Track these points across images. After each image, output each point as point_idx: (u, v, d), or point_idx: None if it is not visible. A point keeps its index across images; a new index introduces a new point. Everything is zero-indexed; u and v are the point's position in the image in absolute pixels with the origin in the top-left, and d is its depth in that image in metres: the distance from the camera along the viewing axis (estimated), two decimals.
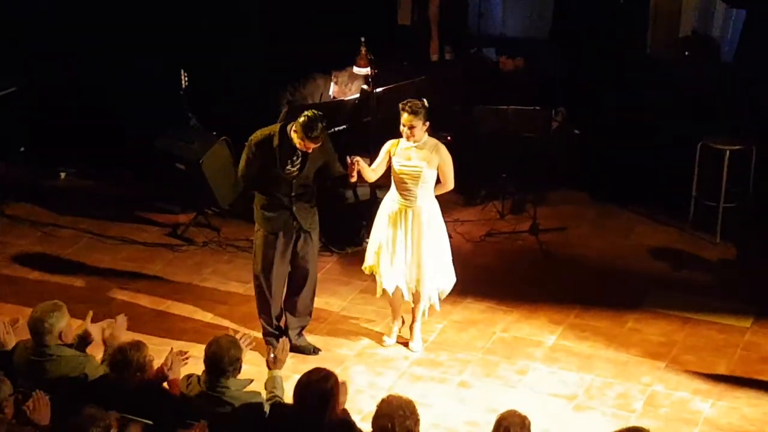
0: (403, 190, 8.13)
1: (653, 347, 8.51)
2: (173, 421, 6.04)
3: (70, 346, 6.66)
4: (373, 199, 9.39)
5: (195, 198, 10.58)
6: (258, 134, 8.02)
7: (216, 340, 6.32)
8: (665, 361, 8.34)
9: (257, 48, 11.54)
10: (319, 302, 8.61)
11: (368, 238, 8.57)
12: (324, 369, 6.07)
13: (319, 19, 11.50)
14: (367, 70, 9.55)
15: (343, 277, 9.53)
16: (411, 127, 7.98)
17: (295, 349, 8.41)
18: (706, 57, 11.16)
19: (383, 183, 8.45)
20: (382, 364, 8.37)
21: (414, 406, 5.69)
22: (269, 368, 6.63)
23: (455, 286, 8.54)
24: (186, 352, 6.71)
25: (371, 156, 8.62)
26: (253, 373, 6.76)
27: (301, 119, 7.72)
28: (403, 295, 8.40)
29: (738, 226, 10.12)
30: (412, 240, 8.17)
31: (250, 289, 8.69)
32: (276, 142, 7.89)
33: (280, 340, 6.94)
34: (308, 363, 7.84)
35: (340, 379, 6.20)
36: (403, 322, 8.69)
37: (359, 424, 6.27)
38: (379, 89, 9.63)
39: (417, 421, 5.66)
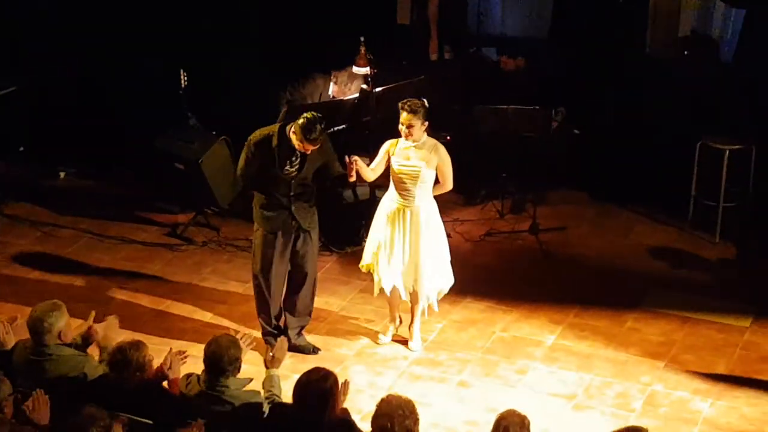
0: (402, 190, 8.13)
1: (652, 347, 8.51)
2: (173, 421, 6.04)
3: (70, 345, 6.66)
4: (372, 199, 9.39)
5: (194, 198, 10.58)
6: (257, 134, 8.02)
7: (215, 339, 6.32)
8: (664, 360, 8.34)
9: (257, 48, 11.54)
10: (318, 302, 8.61)
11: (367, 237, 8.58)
12: (323, 368, 6.07)
13: (319, 18, 11.50)
14: (366, 70, 9.56)
15: (343, 276, 9.53)
16: (409, 126, 7.98)
17: (295, 348, 8.42)
18: (706, 57, 11.16)
19: (383, 183, 8.46)
20: (381, 364, 8.37)
21: (413, 406, 5.69)
22: (267, 367, 6.63)
23: (455, 285, 8.55)
24: (184, 352, 6.72)
25: (370, 156, 8.63)
26: (252, 372, 6.76)
27: (300, 121, 7.71)
28: (400, 295, 8.40)
29: (737, 225, 10.12)
30: (410, 240, 8.18)
31: (249, 289, 8.69)
32: (275, 142, 7.89)
33: (278, 339, 6.95)
34: (308, 362, 7.85)
35: (342, 378, 6.21)
36: (401, 322, 8.70)
37: (359, 424, 6.27)
38: (378, 89, 9.63)
39: (416, 421, 5.67)
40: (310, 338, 8.55)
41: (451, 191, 8.41)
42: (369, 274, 8.55)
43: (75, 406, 5.70)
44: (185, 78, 10.58)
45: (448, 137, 10.05)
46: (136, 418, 5.95)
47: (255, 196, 8.23)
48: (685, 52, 11.20)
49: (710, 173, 10.02)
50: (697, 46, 11.25)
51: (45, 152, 11.72)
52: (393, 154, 8.13)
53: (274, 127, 7.98)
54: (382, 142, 8.28)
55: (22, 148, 11.87)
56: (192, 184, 10.38)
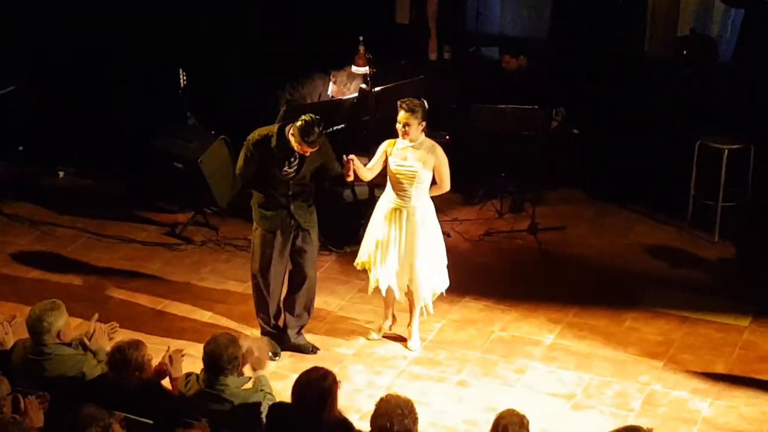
0: (399, 190, 8.13)
1: (651, 346, 8.51)
2: (172, 420, 6.04)
3: (70, 344, 6.66)
4: (371, 198, 9.39)
5: (193, 197, 10.57)
6: (256, 134, 8.01)
7: (214, 338, 6.33)
8: (663, 360, 8.34)
9: (256, 47, 11.54)
10: (317, 301, 8.61)
11: None
12: (322, 368, 6.07)
13: (318, 18, 11.50)
14: (365, 69, 9.56)
15: (342, 276, 9.53)
16: (406, 125, 7.98)
17: (294, 348, 8.43)
18: (705, 56, 11.16)
19: (382, 182, 8.45)
20: (380, 363, 8.37)
21: (412, 405, 5.69)
22: (253, 370, 6.61)
23: (454, 285, 8.55)
24: (182, 350, 6.72)
25: (369, 155, 8.62)
26: (251, 372, 6.75)
27: (299, 123, 7.70)
28: (394, 295, 8.41)
29: (736, 225, 10.12)
30: (406, 240, 8.18)
31: (248, 288, 8.69)
32: (274, 143, 7.88)
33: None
34: (307, 362, 7.86)
35: (341, 378, 6.21)
36: (394, 320, 8.70)
37: (358, 424, 6.28)
38: (377, 88, 9.63)
39: (415, 420, 5.67)
40: (309, 338, 8.55)
41: (449, 191, 8.40)
42: (368, 274, 8.55)
43: (74, 405, 5.70)
44: (184, 77, 10.58)
45: (447, 137, 10.07)
46: (135, 417, 5.95)
47: (254, 195, 8.23)
48: (684, 52, 11.21)
49: (709, 173, 10.02)
50: (696, 45, 11.25)
51: (44, 152, 11.71)
52: (390, 154, 8.13)
53: (273, 128, 7.98)
54: (381, 142, 8.28)
55: (21, 148, 11.86)
56: (191, 184, 10.38)
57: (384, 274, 8.29)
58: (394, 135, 8.13)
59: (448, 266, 8.46)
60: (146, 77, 11.47)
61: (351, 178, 8.14)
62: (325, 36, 11.26)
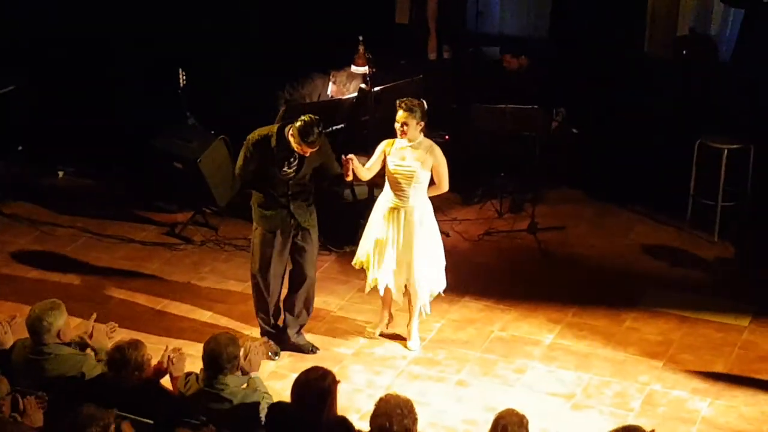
0: (397, 190, 8.13)
1: (651, 346, 8.51)
2: (172, 420, 6.04)
3: (69, 344, 6.66)
4: (370, 198, 9.39)
5: (193, 197, 10.57)
6: (256, 134, 8.01)
7: (214, 337, 6.34)
8: (663, 360, 8.34)
9: (256, 47, 11.54)
10: (317, 301, 8.60)
11: None
12: (322, 368, 6.07)
13: (318, 18, 11.50)
14: (365, 69, 9.56)
15: (342, 276, 9.53)
16: (404, 124, 7.98)
17: (294, 347, 8.43)
18: (704, 56, 11.16)
19: (381, 182, 8.45)
20: (380, 363, 8.37)
21: (412, 405, 5.69)
22: (246, 372, 6.60)
23: (454, 284, 8.55)
24: (179, 349, 6.72)
25: (369, 155, 8.62)
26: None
27: (298, 124, 7.70)
28: (392, 294, 8.41)
29: (736, 225, 10.13)
30: (404, 239, 8.18)
31: (247, 288, 8.69)
32: (274, 143, 7.88)
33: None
34: (306, 362, 7.86)
35: (341, 378, 6.21)
36: (390, 319, 8.70)
37: (357, 423, 6.28)
38: (377, 88, 9.63)
39: (415, 420, 5.67)
40: (309, 337, 8.55)
41: (449, 191, 8.40)
42: (366, 273, 8.55)
43: (73, 405, 5.70)
44: (184, 77, 10.58)
45: (447, 136, 10.07)
46: (135, 417, 5.95)
47: (253, 195, 8.23)
48: (684, 52, 11.21)
49: (709, 173, 10.02)
50: (695, 45, 11.25)
51: (44, 151, 11.72)
52: (389, 154, 8.13)
53: (273, 128, 7.98)
54: (381, 142, 8.28)
55: (20, 147, 11.86)
56: (190, 184, 10.38)
57: (382, 274, 8.29)
58: (393, 135, 8.13)
59: (447, 266, 8.46)
60: (146, 77, 11.47)
61: (350, 178, 8.14)
62: (325, 36, 11.26)
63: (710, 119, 10.33)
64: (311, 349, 8.47)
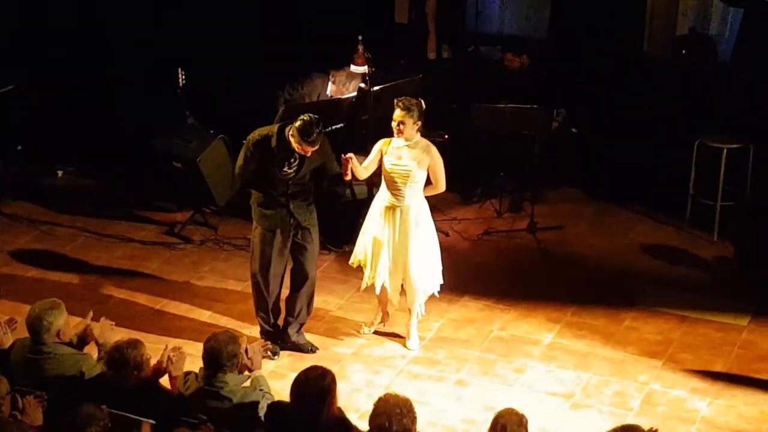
0: (393, 189, 8.14)
1: (650, 345, 8.51)
2: (171, 419, 6.04)
3: (68, 344, 6.66)
4: (370, 197, 9.37)
5: (192, 196, 10.57)
6: (256, 134, 8.01)
7: (214, 335, 6.34)
8: (662, 359, 8.34)
9: (255, 47, 11.54)
10: (316, 300, 8.60)
11: None
12: (321, 367, 6.07)
13: (317, 17, 11.50)
14: (364, 69, 9.56)
15: (341, 275, 9.53)
16: (401, 123, 7.99)
17: (294, 347, 8.44)
18: (704, 56, 11.16)
19: (380, 181, 8.45)
20: (379, 363, 8.37)
21: (411, 405, 5.69)
22: (249, 371, 6.61)
23: (453, 284, 8.55)
24: (179, 348, 6.72)
25: (368, 155, 8.62)
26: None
27: (298, 124, 7.69)
28: (388, 293, 8.41)
29: (735, 224, 10.13)
30: (400, 239, 8.18)
31: (247, 288, 8.70)
32: (274, 143, 7.88)
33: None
34: (306, 361, 7.86)
35: (340, 377, 6.22)
36: (386, 317, 8.70)
37: (356, 423, 6.28)
38: (376, 87, 9.64)
39: (414, 420, 5.67)
40: (308, 337, 8.55)
41: (448, 190, 8.40)
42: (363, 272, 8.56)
43: (73, 404, 5.71)
44: (183, 77, 10.58)
45: (446, 136, 10.07)
46: (134, 417, 5.95)
47: (253, 194, 8.23)
48: (683, 52, 11.21)
49: (708, 172, 10.02)
50: (695, 45, 11.25)
51: (43, 151, 11.72)
52: (385, 153, 8.14)
53: (274, 128, 7.97)
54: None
55: (20, 147, 11.87)
56: (190, 183, 10.38)
57: (378, 273, 8.29)
58: (392, 134, 8.13)
59: (447, 266, 8.46)
60: (146, 77, 11.46)
61: (349, 177, 8.14)
62: (324, 35, 11.25)
63: (710, 119, 10.33)
64: (311, 349, 8.47)
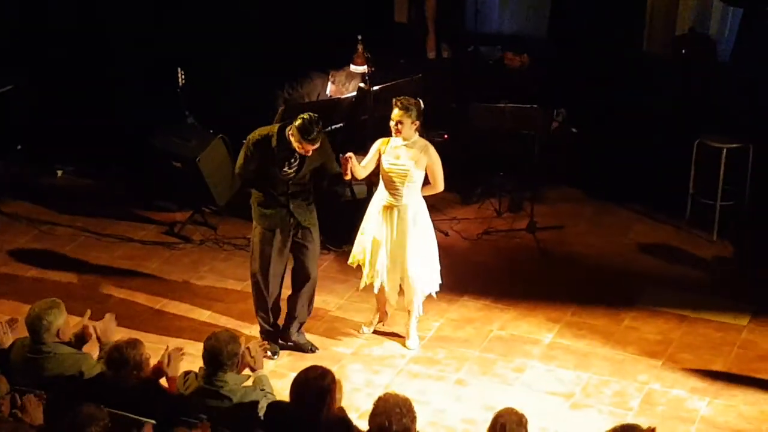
0: (391, 189, 8.14)
1: (650, 345, 8.52)
2: (171, 419, 6.04)
3: (67, 343, 6.66)
4: (369, 197, 9.38)
5: (192, 196, 10.57)
6: (257, 133, 8.01)
7: (215, 334, 6.34)
8: (662, 359, 8.34)
9: (255, 47, 11.54)
10: (316, 300, 8.60)
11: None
12: (321, 366, 6.07)
13: (317, 17, 11.50)
14: (364, 68, 9.55)
15: (340, 275, 9.53)
16: (399, 123, 7.99)
17: (295, 346, 8.43)
18: (703, 55, 11.16)
19: (378, 180, 8.45)
20: (378, 362, 8.37)
21: (411, 404, 5.70)
22: (252, 371, 6.61)
23: (453, 284, 8.54)
24: (181, 349, 6.73)
25: (367, 154, 8.63)
26: (247, 370, 6.76)
27: (297, 123, 7.70)
28: (386, 292, 8.41)
29: (735, 224, 10.13)
30: (397, 238, 8.18)
31: (246, 287, 8.70)
32: (274, 143, 7.88)
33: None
34: (305, 361, 7.87)
35: (339, 377, 6.22)
36: (384, 316, 8.70)
37: (356, 422, 6.27)
38: (375, 87, 9.63)
39: (414, 419, 5.67)
40: (308, 337, 8.55)
41: (447, 189, 8.40)
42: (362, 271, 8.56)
43: (72, 404, 5.70)
44: (182, 76, 10.58)
45: (446, 135, 10.07)
46: (134, 416, 5.95)
47: (253, 193, 8.23)
48: (683, 51, 11.21)
49: (708, 172, 10.03)
50: (694, 44, 11.24)
51: (43, 151, 11.72)
52: (383, 153, 8.14)
53: (274, 128, 7.98)
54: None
55: (19, 147, 11.87)
56: (190, 183, 10.38)
57: (376, 272, 8.30)
58: (391, 134, 8.13)
59: (446, 265, 8.47)
60: (146, 77, 11.46)
61: (349, 177, 8.14)
62: (324, 35, 11.25)
63: (709, 118, 10.33)
64: (311, 349, 8.47)
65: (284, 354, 8.40)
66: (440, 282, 8.41)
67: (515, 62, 11.22)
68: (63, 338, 6.62)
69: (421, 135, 8.16)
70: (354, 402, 7.68)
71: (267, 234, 8.14)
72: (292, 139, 7.76)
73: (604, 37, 11.28)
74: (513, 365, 8.30)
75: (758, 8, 10.70)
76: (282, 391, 6.81)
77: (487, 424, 5.61)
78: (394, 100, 8.06)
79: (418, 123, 8.04)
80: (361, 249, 8.39)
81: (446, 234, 10.05)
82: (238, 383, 6.31)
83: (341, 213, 9.92)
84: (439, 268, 8.38)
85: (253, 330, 8.56)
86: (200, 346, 6.38)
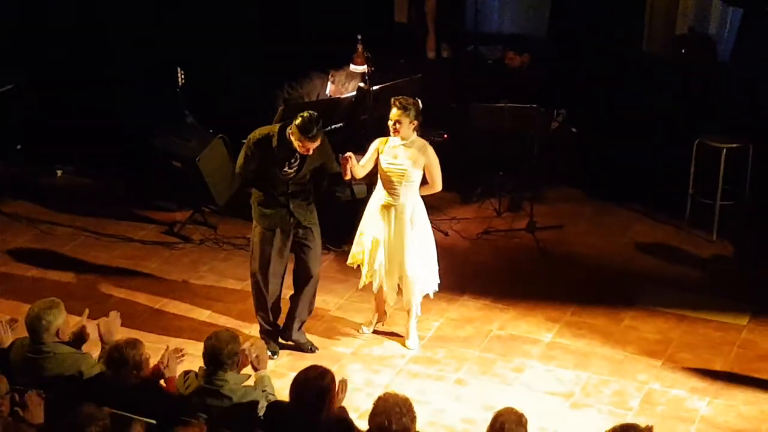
0: (389, 188, 8.14)
1: (650, 345, 8.52)
2: (170, 419, 6.04)
3: (66, 343, 6.66)
4: (369, 197, 9.38)
5: (192, 196, 10.57)
6: (257, 133, 8.01)
7: (215, 333, 6.35)
8: (662, 359, 8.34)
9: (255, 47, 11.54)
10: (315, 300, 8.60)
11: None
12: (321, 366, 6.08)
13: (317, 17, 11.50)
14: (363, 68, 9.55)
15: (340, 275, 9.53)
16: (397, 122, 7.99)
17: (295, 345, 8.43)
18: (703, 55, 11.17)
19: (377, 180, 8.46)
20: (378, 362, 8.37)
21: (410, 404, 5.70)
22: (255, 370, 6.62)
23: (453, 283, 8.54)
24: (182, 350, 6.73)
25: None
26: (249, 370, 6.76)
27: (297, 121, 7.70)
28: (385, 292, 8.41)
29: (734, 223, 10.13)
30: (395, 237, 8.18)
31: (246, 287, 8.70)
32: (275, 143, 7.88)
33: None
34: (305, 361, 7.87)
35: (341, 377, 6.22)
36: (384, 316, 8.70)
37: (356, 422, 6.27)
38: (375, 87, 9.63)
39: (413, 419, 5.67)
40: (308, 336, 8.55)
41: (447, 189, 8.40)
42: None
43: (72, 404, 5.70)
44: (182, 76, 10.58)
45: (446, 135, 10.06)
46: (134, 416, 5.95)
47: (253, 193, 8.23)
48: (683, 51, 11.21)
49: (708, 171, 10.03)
50: (694, 44, 11.25)
51: (43, 151, 11.72)
52: (382, 152, 8.14)
53: (275, 128, 7.98)
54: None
55: (19, 146, 11.87)
56: (189, 183, 10.38)
57: (374, 271, 8.30)
58: (390, 133, 8.13)
59: (446, 265, 8.47)
60: (146, 77, 11.46)
61: (348, 176, 8.14)
62: (324, 35, 11.25)
63: (709, 118, 10.33)
64: (311, 348, 8.47)
65: (284, 354, 8.40)
66: (438, 282, 8.42)
67: (516, 61, 11.22)
68: (63, 338, 6.62)
69: (420, 135, 8.15)
70: (354, 402, 7.67)
71: (267, 234, 8.14)
72: (292, 138, 7.76)
73: (604, 37, 11.28)
74: (512, 365, 8.30)
75: (758, 8, 10.70)
76: (282, 390, 6.81)
77: (487, 424, 5.61)
78: (392, 99, 8.06)
79: (416, 123, 8.04)
80: (360, 249, 8.39)
81: (446, 234, 10.05)
82: (239, 382, 6.31)
83: (341, 213, 9.92)
84: (437, 267, 8.38)
85: (252, 330, 8.56)
86: (200, 345, 6.38)
